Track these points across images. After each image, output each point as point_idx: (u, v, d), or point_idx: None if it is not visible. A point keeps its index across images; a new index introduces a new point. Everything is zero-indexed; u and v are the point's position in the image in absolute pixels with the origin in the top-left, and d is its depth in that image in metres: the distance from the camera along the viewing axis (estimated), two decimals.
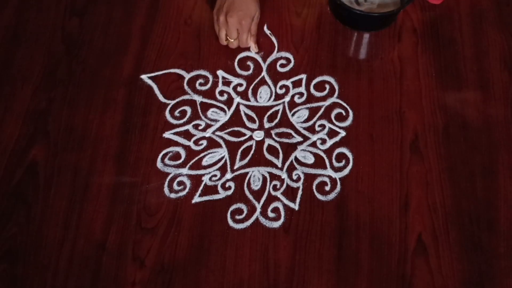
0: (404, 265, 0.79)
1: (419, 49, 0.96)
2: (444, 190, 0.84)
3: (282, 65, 0.95)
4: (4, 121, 0.90)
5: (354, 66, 0.95)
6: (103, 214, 0.82)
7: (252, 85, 0.93)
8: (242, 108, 0.91)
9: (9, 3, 1.02)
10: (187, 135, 0.89)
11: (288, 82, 0.93)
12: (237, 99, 0.92)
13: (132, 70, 0.94)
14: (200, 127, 0.89)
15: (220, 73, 0.94)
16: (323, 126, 0.89)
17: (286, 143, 0.88)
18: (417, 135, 0.88)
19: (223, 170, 0.86)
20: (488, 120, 0.90)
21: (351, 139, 0.88)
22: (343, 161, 0.86)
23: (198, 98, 0.92)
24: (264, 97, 0.92)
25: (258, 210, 0.83)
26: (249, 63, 0.95)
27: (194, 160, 0.86)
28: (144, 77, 0.94)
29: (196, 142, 0.88)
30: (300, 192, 0.84)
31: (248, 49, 0.96)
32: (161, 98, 0.92)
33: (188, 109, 0.91)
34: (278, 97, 0.92)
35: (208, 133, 0.89)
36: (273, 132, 0.89)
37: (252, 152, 0.87)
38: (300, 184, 0.85)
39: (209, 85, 0.93)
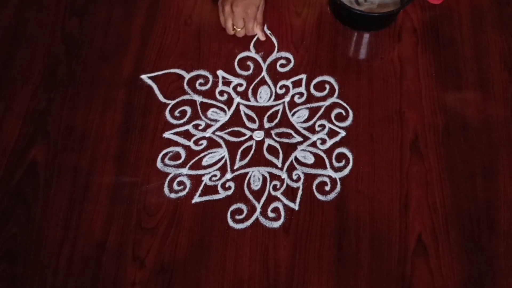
0: (404, 265, 0.79)
1: (419, 49, 0.96)
2: (444, 190, 0.84)
3: (282, 65, 0.95)
4: (4, 121, 0.90)
5: (354, 66, 0.95)
6: (103, 214, 0.82)
7: (252, 85, 0.93)
8: (242, 108, 0.91)
9: (9, 3, 1.02)
10: (187, 135, 0.89)
11: (288, 82, 0.93)
12: (237, 99, 0.92)
13: (132, 70, 0.94)
14: (200, 127, 0.89)
15: (220, 73, 0.94)
16: (323, 126, 0.89)
17: (286, 143, 0.88)
18: (417, 135, 0.88)
19: (223, 170, 0.86)
20: (488, 120, 0.90)
21: (351, 139, 0.88)
22: (343, 161, 0.86)
23: (198, 98, 0.92)
24: (264, 97, 0.92)
25: (258, 210, 0.83)
26: (249, 63, 0.95)
27: (194, 160, 0.86)
28: (144, 77, 0.94)
29: (196, 142, 0.88)
30: (300, 192, 0.84)
31: (248, 49, 0.96)
32: (161, 98, 0.92)
33: (188, 109, 0.91)
34: (278, 97, 0.92)
35: (208, 133, 0.89)
36: (273, 132, 0.89)
37: (252, 152, 0.87)
38: (300, 184, 0.85)
39: (209, 85, 0.93)
